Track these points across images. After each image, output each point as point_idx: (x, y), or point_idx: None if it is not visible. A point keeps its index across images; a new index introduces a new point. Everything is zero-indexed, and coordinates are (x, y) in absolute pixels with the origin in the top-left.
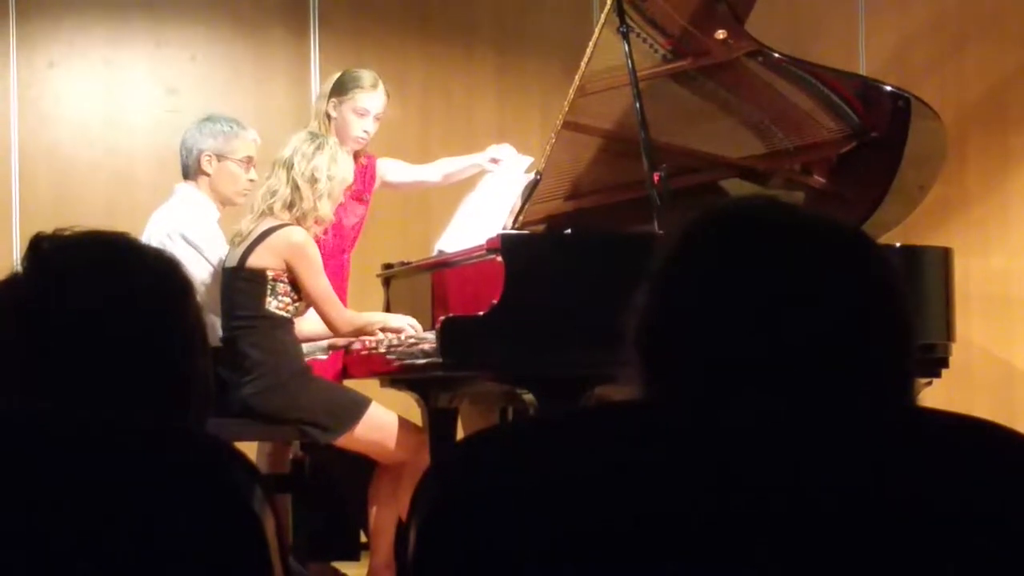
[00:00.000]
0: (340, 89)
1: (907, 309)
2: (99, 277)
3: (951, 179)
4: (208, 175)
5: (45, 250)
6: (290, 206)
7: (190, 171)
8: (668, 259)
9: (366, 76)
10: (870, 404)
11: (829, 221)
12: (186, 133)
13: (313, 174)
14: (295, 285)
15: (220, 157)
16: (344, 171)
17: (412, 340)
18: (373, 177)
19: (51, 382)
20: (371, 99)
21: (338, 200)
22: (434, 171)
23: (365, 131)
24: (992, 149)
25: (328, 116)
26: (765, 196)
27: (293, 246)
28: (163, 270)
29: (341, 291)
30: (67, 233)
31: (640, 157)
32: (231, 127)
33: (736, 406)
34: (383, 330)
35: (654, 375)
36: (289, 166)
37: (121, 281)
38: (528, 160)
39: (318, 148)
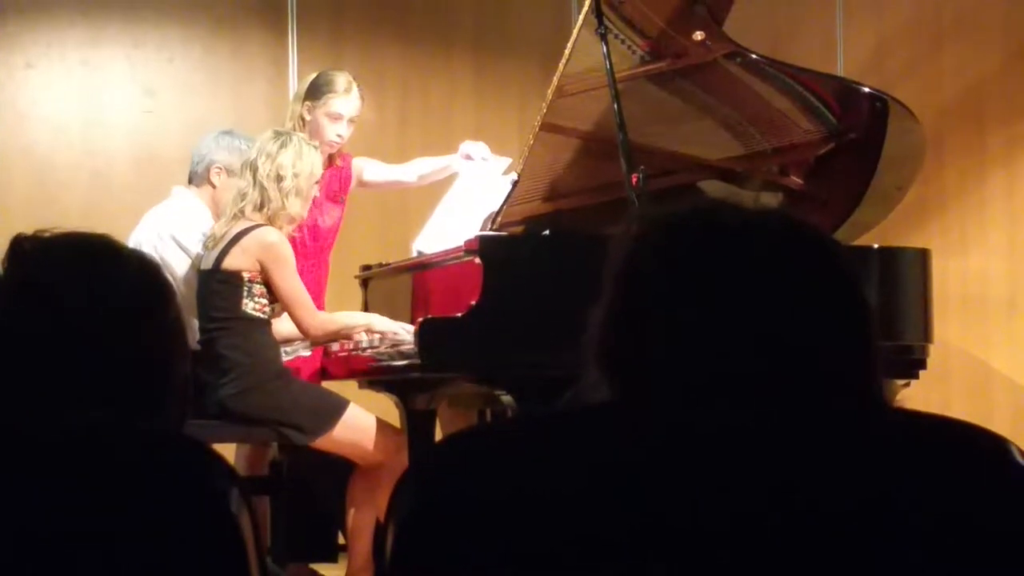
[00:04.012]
0: (314, 93)
1: (866, 303)
2: (80, 278)
3: (929, 180)
4: (214, 186)
5: (26, 250)
6: (260, 207)
7: (196, 178)
8: (619, 274)
9: (340, 80)
10: (838, 402)
11: (779, 219)
12: (201, 141)
13: (278, 172)
14: (270, 286)
15: (230, 172)
16: (310, 165)
17: (392, 341)
18: (349, 178)
19: (30, 381)
20: (344, 103)
21: (309, 196)
22: (409, 171)
23: (339, 135)
24: (969, 150)
25: (302, 119)
26: (710, 200)
27: (266, 247)
28: (144, 272)
29: (320, 293)
30: (48, 234)
31: (618, 158)
32: (248, 146)
33: (704, 412)
34: (368, 332)
35: (618, 387)
36: (254, 168)
37: (101, 282)
38: (506, 161)
39: (282, 146)
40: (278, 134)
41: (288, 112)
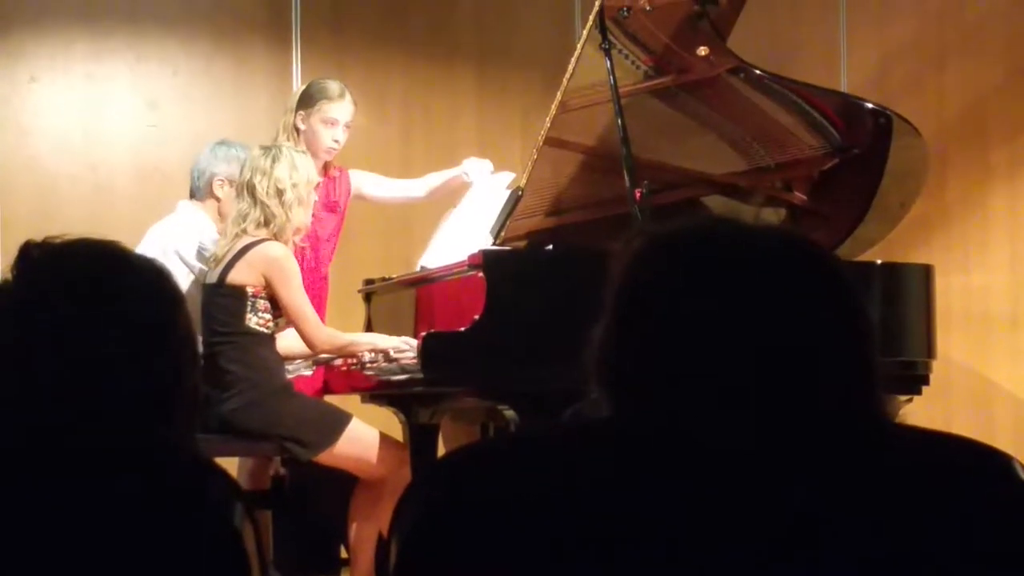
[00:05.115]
0: (307, 101)
1: (867, 318)
2: (88, 286)
3: (931, 196)
4: (218, 199)
5: (35, 257)
6: (265, 224)
7: (199, 192)
8: (620, 291)
9: (332, 86)
10: (839, 418)
11: (780, 235)
12: (199, 155)
13: (277, 187)
14: (274, 301)
15: (233, 183)
16: (307, 173)
17: (395, 356)
18: (348, 189)
19: (40, 389)
20: (339, 108)
21: (311, 203)
22: (420, 186)
23: (336, 140)
24: (972, 166)
25: (296, 129)
26: (710, 215)
27: (271, 261)
28: (153, 279)
29: (321, 305)
30: (57, 241)
31: (622, 173)
32: (245, 152)
33: (705, 428)
34: (373, 351)
35: (621, 404)
36: (251, 188)
37: (110, 290)
38: (509, 176)
39: (274, 160)
40: (267, 149)
41: (280, 124)
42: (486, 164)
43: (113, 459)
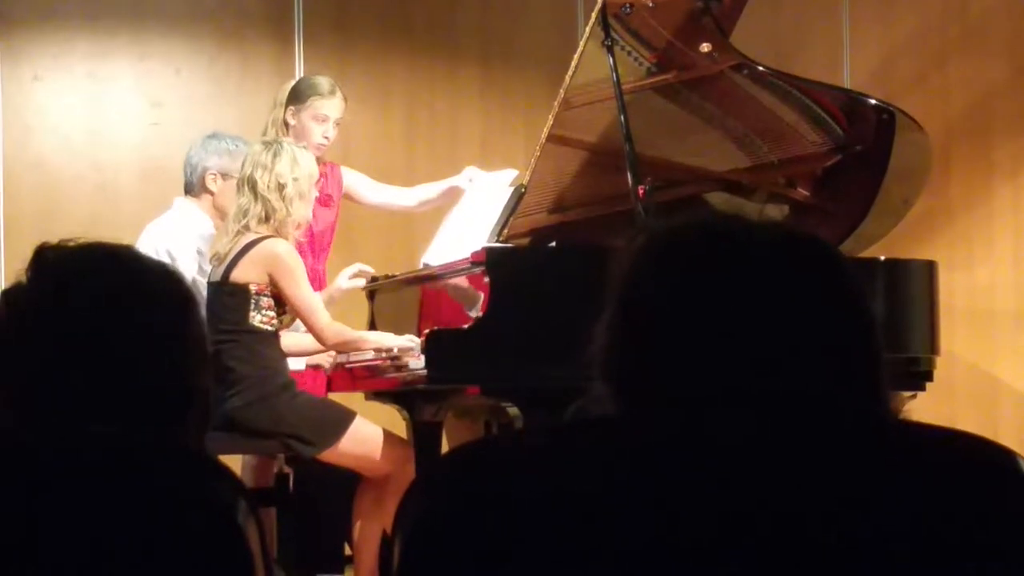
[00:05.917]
0: (298, 97)
1: (871, 314)
2: (102, 288)
3: (935, 192)
4: (212, 193)
5: (49, 260)
6: (266, 219)
7: (193, 188)
8: (623, 288)
9: (323, 82)
10: (844, 414)
11: (782, 231)
12: (191, 150)
13: (278, 182)
14: (278, 299)
15: (225, 176)
16: (307, 168)
17: (399, 355)
18: (340, 184)
19: (52, 390)
20: (330, 105)
21: (311, 198)
22: (410, 196)
23: (326, 136)
24: (976, 162)
25: (286, 124)
26: (713, 211)
27: (275, 257)
28: (167, 282)
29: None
30: (71, 244)
31: (625, 170)
32: (236, 145)
33: (707, 425)
34: (377, 351)
35: (626, 402)
36: (252, 183)
37: (124, 292)
38: (512, 173)
39: (275, 155)
40: (267, 144)
41: (270, 119)
42: (484, 173)
43: (116, 458)
